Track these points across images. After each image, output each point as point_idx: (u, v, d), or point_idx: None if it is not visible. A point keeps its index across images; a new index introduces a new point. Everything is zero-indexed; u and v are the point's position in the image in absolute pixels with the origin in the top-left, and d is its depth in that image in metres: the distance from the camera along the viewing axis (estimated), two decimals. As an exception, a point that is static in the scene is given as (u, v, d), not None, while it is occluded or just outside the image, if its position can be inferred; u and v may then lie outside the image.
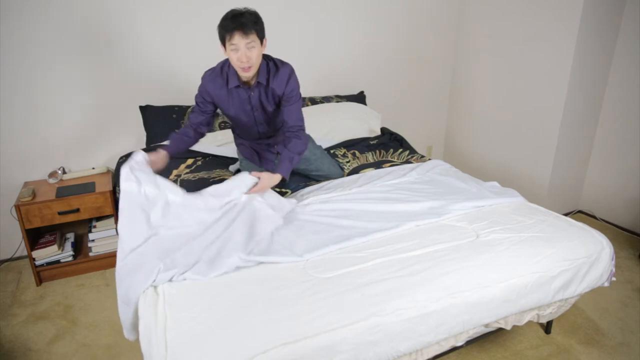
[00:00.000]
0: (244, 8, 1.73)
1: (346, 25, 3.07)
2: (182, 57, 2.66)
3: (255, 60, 1.77)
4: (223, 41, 1.75)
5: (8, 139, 2.43)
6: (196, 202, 1.73)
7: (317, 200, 1.96)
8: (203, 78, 1.93)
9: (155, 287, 1.41)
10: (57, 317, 2.10)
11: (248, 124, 2.02)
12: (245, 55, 1.72)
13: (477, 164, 3.44)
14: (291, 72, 1.91)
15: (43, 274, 2.38)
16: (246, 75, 1.81)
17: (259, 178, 1.82)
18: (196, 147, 2.47)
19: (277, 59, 1.93)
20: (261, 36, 1.75)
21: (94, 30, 2.44)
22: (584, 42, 2.59)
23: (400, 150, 2.66)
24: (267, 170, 2.03)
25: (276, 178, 1.85)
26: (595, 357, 1.83)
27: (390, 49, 3.28)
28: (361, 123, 2.88)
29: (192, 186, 1.95)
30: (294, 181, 2.25)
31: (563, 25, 2.61)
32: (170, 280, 1.42)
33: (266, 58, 1.90)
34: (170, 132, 2.55)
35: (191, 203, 1.72)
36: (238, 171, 2.26)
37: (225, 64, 1.90)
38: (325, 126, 2.73)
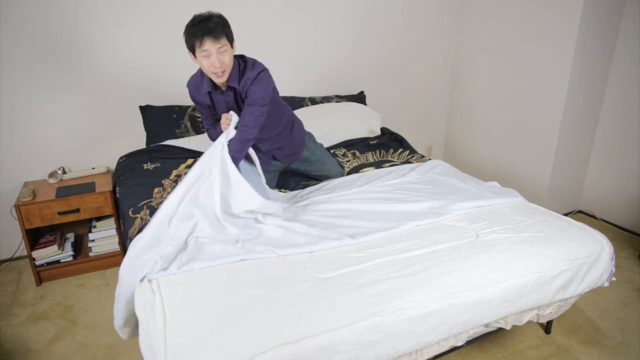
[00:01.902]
0: (208, 12, 1.66)
1: (346, 26, 3.07)
2: (182, 57, 2.64)
3: (228, 65, 1.71)
4: (192, 49, 1.68)
5: (8, 139, 2.42)
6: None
7: (317, 201, 1.96)
8: (187, 85, 1.89)
9: (150, 281, 1.42)
10: (57, 317, 2.10)
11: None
12: (218, 60, 1.65)
13: (477, 164, 3.44)
14: (258, 74, 1.75)
15: (43, 274, 2.38)
16: (220, 80, 1.75)
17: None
18: (196, 147, 2.48)
19: (250, 59, 1.81)
20: (231, 39, 1.70)
21: (94, 30, 2.44)
22: (584, 42, 2.59)
23: (400, 150, 2.66)
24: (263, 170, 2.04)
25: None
26: (595, 357, 1.83)
27: (390, 49, 3.28)
28: (361, 123, 2.88)
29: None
30: (294, 181, 2.25)
31: (563, 25, 2.61)
32: (165, 270, 1.44)
33: (239, 59, 1.80)
34: (170, 133, 2.58)
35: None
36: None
37: None
38: (325, 126, 2.73)
